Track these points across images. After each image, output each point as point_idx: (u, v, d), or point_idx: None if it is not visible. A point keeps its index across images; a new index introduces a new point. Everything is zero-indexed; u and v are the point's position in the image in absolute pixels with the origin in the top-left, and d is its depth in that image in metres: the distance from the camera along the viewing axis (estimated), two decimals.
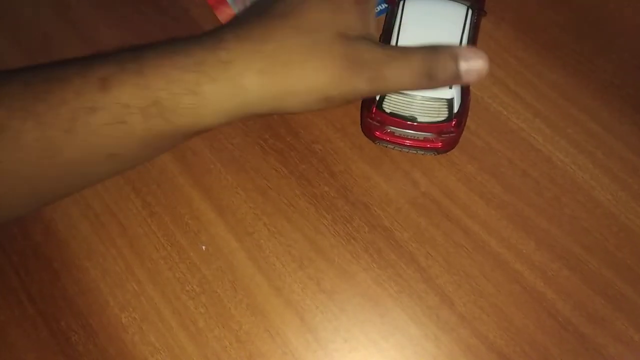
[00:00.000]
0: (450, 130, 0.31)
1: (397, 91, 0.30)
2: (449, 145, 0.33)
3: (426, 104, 0.30)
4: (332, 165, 0.34)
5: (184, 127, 0.27)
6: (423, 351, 0.29)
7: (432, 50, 0.26)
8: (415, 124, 0.31)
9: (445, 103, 0.30)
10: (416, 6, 0.32)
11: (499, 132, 0.35)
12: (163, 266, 0.32)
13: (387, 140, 0.33)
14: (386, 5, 0.38)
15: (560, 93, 0.36)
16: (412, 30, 0.31)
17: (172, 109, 0.25)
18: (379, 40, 0.31)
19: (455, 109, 0.30)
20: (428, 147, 0.32)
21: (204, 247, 0.32)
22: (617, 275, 0.31)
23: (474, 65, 0.26)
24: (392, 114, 0.31)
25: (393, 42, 0.31)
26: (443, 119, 0.30)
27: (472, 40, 0.32)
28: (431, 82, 0.26)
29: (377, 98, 0.31)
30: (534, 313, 0.30)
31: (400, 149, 0.33)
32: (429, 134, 0.31)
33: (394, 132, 0.32)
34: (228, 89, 0.25)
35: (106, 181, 0.34)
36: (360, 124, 0.34)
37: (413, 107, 0.30)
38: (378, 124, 0.32)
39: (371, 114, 0.31)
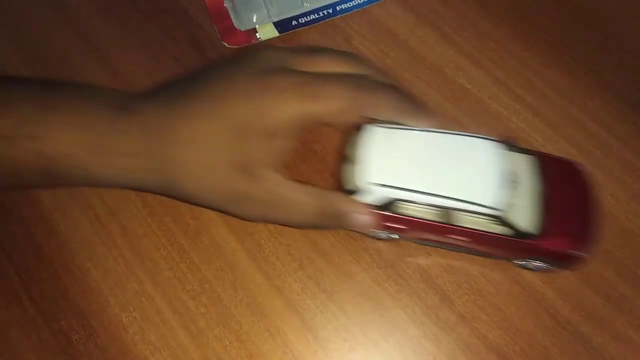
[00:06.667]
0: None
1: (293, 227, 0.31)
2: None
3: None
4: (332, 165, 0.34)
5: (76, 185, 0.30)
6: (422, 350, 0.29)
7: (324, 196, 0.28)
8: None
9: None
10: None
11: (499, 132, 0.35)
12: (163, 266, 0.32)
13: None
14: None
15: (560, 93, 0.36)
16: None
17: (66, 177, 0.27)
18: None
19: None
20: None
21: None
22: (616, 275, 0.31)
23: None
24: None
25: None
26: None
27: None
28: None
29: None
30: (533, 312, 0.30)
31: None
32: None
33: None
34: (121, 175, 0.27)
35: None
36: None
37: None
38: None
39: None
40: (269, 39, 0.39)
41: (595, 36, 0.38)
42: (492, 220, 0.27)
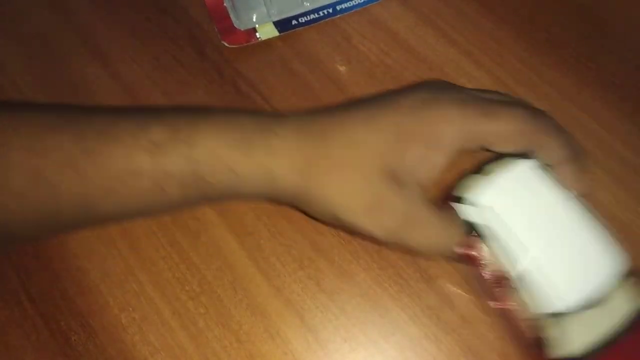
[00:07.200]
0: None
1: (411, 252, 0.27)
2: None
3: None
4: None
5: (217, 199, 0.27)
6: (423, 351, 0.29)
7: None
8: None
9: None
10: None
11: None
12: (163, 266, 0.32)
13: None
14: None
15: (560, 92, 0.36)
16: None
17: (210, 183, 0.26)
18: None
19: None
20: None
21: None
22: None
23: None
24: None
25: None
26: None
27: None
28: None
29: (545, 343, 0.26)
30: None
31: None
32: None
33: None
34: (264, 176, 0.26)
35: None
36: None
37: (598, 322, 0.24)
38: None
39: None
40: (269, 39, 0.39)
41: (596, 35, 0.38)
42: None
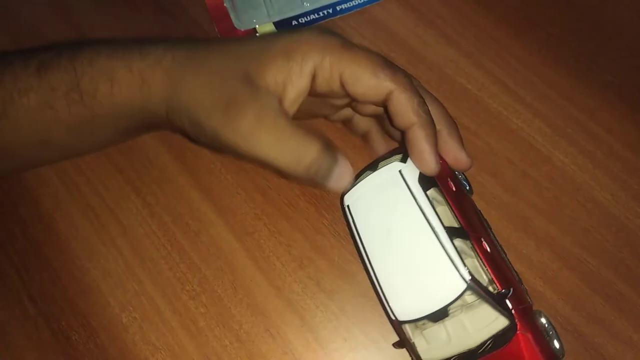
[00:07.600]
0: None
1: (268, 164, 0.25)
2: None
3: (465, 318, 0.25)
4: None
5: (103, 116, 0.28)
6: None
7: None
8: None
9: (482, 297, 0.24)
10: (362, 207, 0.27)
11: (498, 132, 0.35)
12: (163, 266, 0.32)
13: None
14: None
15: (560, 93, 0.36)
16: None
17: (91, 94, 0.27)
18: None
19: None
20: None
21: None
22: (616, 275, 0.31)
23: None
24: None
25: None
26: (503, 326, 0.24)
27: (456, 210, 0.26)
28: (305, 173, 0.25)
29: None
30: None
31: None
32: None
33: None
34: (137, 81, 0.27)
35: (106, 181, 0.34)
36: None
37: (455, 336, 0.25)
38: None
39: None
40: None
41: (596, 35, 0.38)
42: None
